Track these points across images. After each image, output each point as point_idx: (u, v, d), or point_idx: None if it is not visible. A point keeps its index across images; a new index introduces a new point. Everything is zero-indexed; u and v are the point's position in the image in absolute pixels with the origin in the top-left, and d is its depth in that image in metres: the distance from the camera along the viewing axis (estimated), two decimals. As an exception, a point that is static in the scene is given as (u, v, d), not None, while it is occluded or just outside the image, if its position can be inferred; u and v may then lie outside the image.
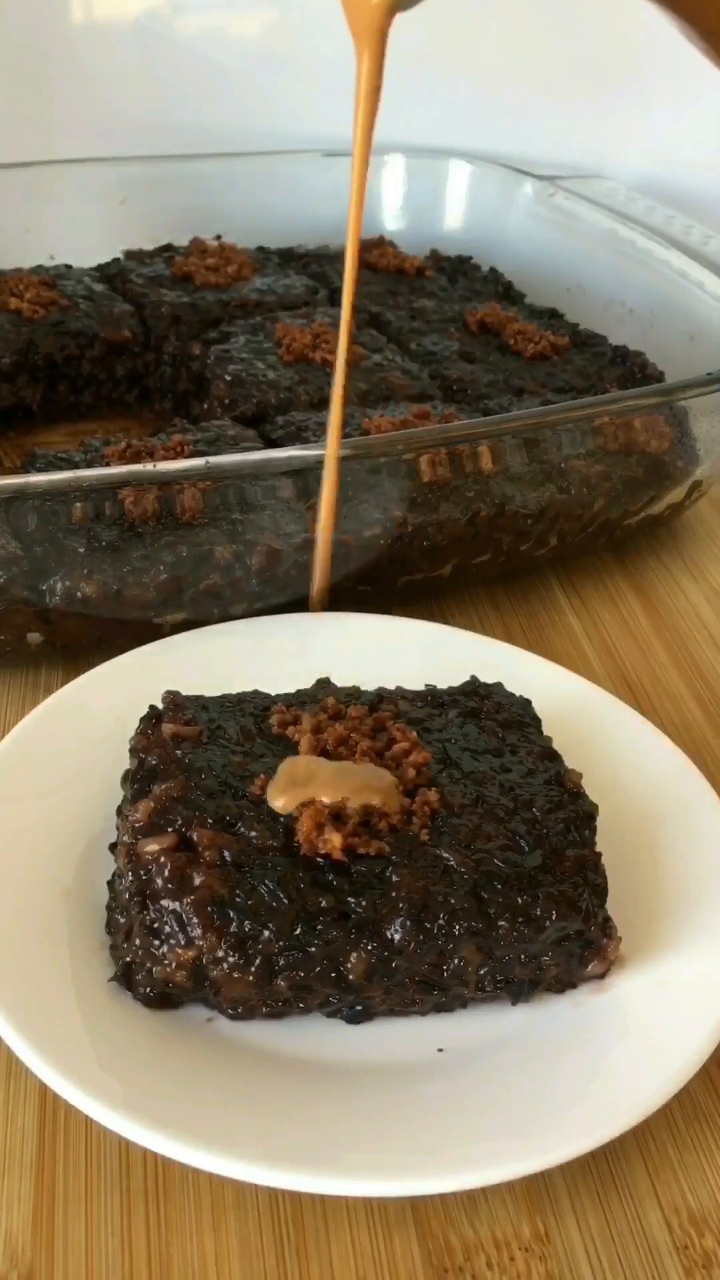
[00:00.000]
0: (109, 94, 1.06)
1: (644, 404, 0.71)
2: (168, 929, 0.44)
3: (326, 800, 0.46)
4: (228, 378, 0.79)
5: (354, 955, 0.44)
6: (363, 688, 0.55)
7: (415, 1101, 0.44)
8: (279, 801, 0.47)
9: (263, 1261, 0.41)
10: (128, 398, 0.88)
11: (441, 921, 0.45)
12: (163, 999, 0.46)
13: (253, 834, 0.46)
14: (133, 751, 0.51)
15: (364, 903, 0.44)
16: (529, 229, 1.02)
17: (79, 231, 0.96)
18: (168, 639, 0.62)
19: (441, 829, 0.47)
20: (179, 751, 0.49)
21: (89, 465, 0.68)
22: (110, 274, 0.93)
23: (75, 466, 0.67)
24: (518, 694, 0.55)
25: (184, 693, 0.53)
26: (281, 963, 0.44)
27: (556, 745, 0.53)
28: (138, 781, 0.49)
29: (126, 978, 0.46)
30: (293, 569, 0.64)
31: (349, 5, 0.49)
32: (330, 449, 0.60)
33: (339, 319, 0.87)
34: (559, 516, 0.71)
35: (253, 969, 0.44)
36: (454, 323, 0.91)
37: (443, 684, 0.56)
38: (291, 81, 1.06)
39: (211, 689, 0.54)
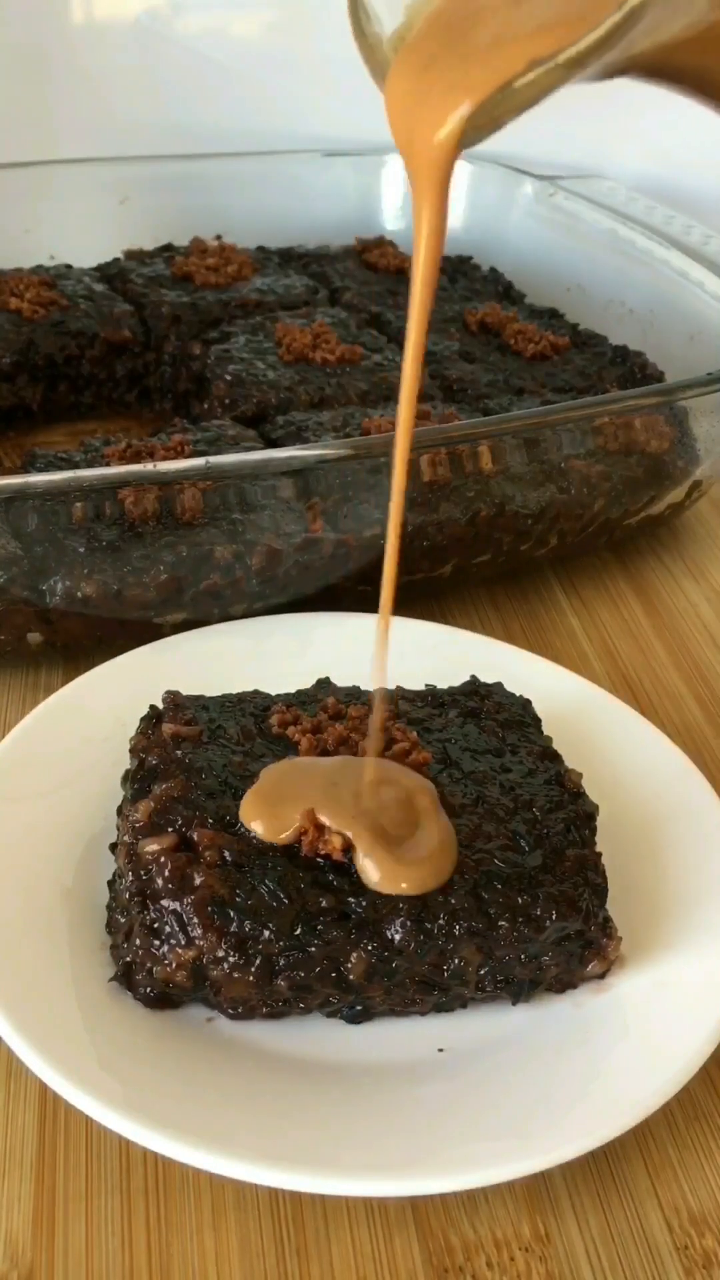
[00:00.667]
0: (109, 94, 1.06)
1: (644, 404, 0.71)
2: (168, 929, 0.44)
3: (306, 818, 0.46)
4: (228, 378, 0.79)
5: (354, 955, 0.44)
6: (363, 688, 0.55)
7: (415, 1101, 0.44)
8: (256, 827, 0.46)
9: (263, 1261, 0.41)
10: (128, 398, 0.88)
11: (441, 921, 0.45)
12: (163, 999, 0.46)
13: (253, 834, 0.46)
14: (133, 751, 0.51)
15: (364, 903, 0.44)
16: (529, 229, 1.02)
17: (79, 231, 0.96)
18: (168, 639, 0.62)
19: (441, 829, 0.47)
20: (179, 751, 0.49)
21: (89, 465, 0.68)
22: (110, 274, 0.93)
23: (75, 466, 0.67)
24: (518, 694, 0.55)
25: (184, 693, 0.53)
26: (281, 963, 0.44)
27: (556, 745, 0.53)
28: (138, 781, 0.49)
29: (127, 978, 0.46)
30: (293, 569, 0.64)
31: (406, 139, 0.38)
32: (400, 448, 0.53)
33: (339, 319, 0.88)
34: (559, 516, 0.71)
35: (253, 969, 0.44)
36: (454, 323, 0.91)
37: (443, 684, 0.56)
38: (291, 81, 1.06)
39: (211, 689, 0.54)
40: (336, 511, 0.64)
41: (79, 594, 0.61)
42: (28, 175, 0.96)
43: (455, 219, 1.05)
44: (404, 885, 0.44)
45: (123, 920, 0.46)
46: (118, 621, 0.63)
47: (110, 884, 0.49)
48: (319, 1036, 0.46)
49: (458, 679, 0.56)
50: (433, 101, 0.36)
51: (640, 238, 0.92)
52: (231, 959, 0.43)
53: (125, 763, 0.51)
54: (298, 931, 0.44)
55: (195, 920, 0.44)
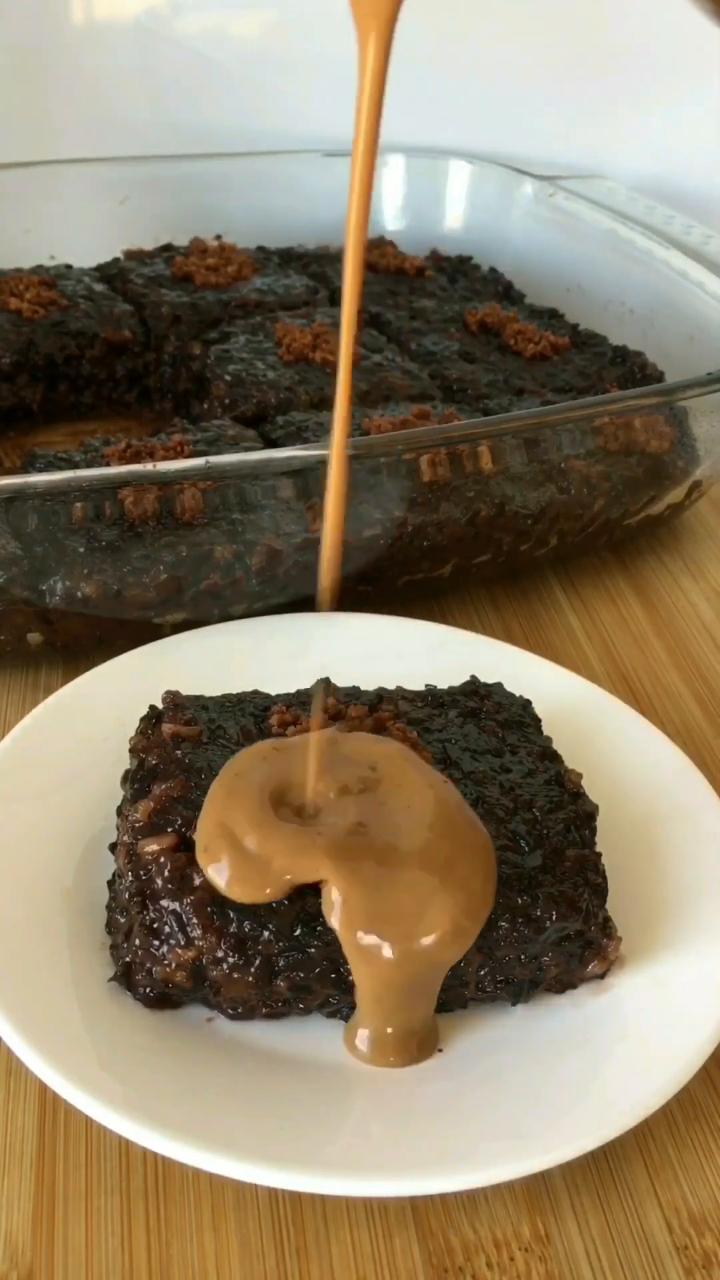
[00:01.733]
0: (109, 94, 1.06)
1: (644, 404, 0.71)
2: (167, 929, 0.44)
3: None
4: (228, 378, 0.79)
5: (354, 955, 0.44)
6: (363, 688, 0.55)
7: (415, 1101, 0.44)
8: (235, 893, 0.44)
9: (263, 1261, 0.41)
10: (128, 398, 0.88)
11: (441, 921, 0.44)
12: (163, 999, 0.46)
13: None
14: (133, 751, 0.51)
15: (364, 903, 0.44)
16: (529, 229, 1.02)
17: (79, 231, 0.96)
18: (168, 639, 0.62)
19: (441, 829, 0.47)
20: (179, 751, 0.49)
21: (89, 465, 0.68)
22: (110, 274, 0.93)
23: (75, 466, 0.67)
24: (518, 694, 0.55)
25: (184, 693, 0.53)
26: (281, 963, 0.44)
27: (556, 745, 0.53)
28: (138, 781, 0.49)
29: (126, 978, 0.46)
30: (293, 569, 0.64)
31: None
32: (336, 443, 0.55)
33: (339, 320, 0.88)
34: (559, 516, 0.71)
35: (252, 969, 0.44)
36: (454, 323, 0.91)
37: (443, 684, 0.56)
38: (291, 81, 1.06)
39: (211, 689, 0.54)
40: (345, 507, 0.63)
41: (79, 594, 0.61)
42: (28, 175, 0.96)
43: (455, 219, 1.07)
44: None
45: (122, 920, 0.46)
46: (118, 621, 0.63)
47: (110, 884, 0.49)
48: (319, 1036, 0.46)
49: (458, 679, 0.56)
50: None
51: (640, 238, 0.92)
52: (231, 959, 0.43)
53: (125, 763, 0.51)
54: (297, 932, 0.44)
55: (195, 920, 0.44)
